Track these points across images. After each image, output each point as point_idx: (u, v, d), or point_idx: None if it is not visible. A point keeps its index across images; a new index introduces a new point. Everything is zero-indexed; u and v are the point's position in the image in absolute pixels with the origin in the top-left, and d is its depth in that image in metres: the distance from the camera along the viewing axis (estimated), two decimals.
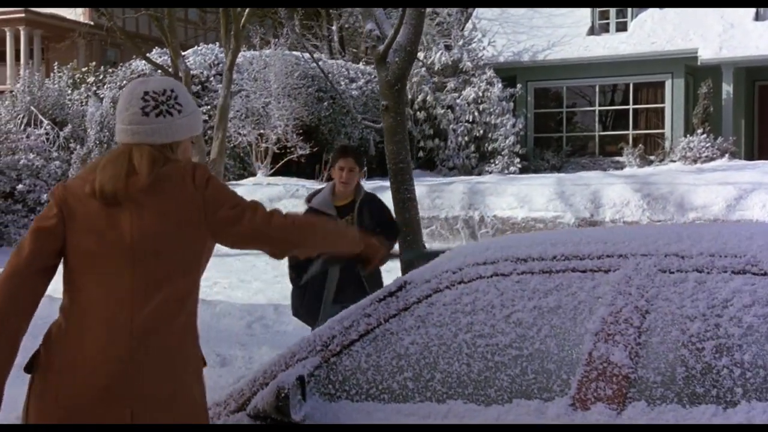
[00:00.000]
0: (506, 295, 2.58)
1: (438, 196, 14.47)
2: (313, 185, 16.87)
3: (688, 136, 21.46)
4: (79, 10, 22.40)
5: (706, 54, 21.79)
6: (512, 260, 2.65)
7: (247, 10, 17.91)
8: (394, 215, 6.06)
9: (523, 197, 13.97)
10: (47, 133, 18.34)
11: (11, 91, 20.26)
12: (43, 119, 18.68)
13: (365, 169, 5.63)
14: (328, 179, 18.45)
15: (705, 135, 20.87)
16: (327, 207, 5.14)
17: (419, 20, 7.01)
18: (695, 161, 20.38)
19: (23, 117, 18.75)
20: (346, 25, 30.57)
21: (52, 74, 21.05)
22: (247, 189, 16.42)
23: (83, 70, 22.83)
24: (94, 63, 24.83)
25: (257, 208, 2.58)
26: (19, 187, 16.88)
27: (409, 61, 7.01)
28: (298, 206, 15.17)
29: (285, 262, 4.91)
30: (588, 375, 2.34)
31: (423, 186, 15.06)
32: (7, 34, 28.18)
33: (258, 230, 2.55)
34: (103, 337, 2.45)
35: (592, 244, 2.60)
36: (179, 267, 2.51)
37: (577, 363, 2.37)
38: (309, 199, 5.28)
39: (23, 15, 28.15)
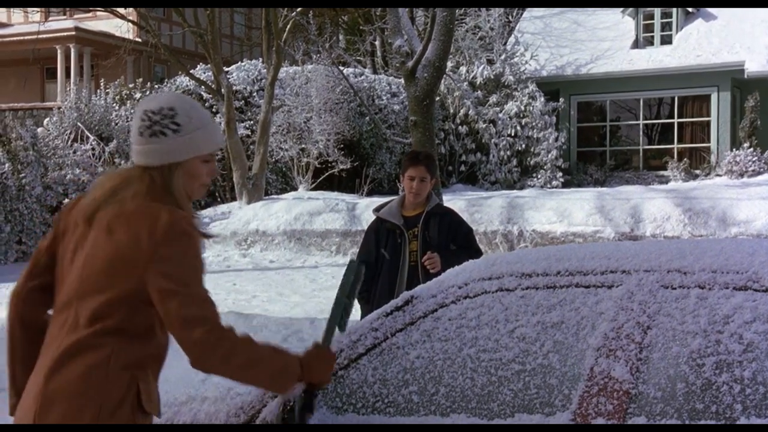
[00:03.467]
0: (510, 310, 2.59)
1: (477, 210, 14.43)
2: (354, 199, 16.96)
3: (734, 149, 21.18)
4: (126, 27, 22.70)
5: (753, 67, 21.51)
6: (517, 275, 2.66)
7: (288, 25, 18.11)
8: None
9: (563, 211, 13.87)
10: (93, 149, 18.62)
11: (59, 108, 20.61)
12: (90, 135, 18.98)
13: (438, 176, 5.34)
14: (367, 194, 18.54)
15: (752, 149, 20.58)
16: (394, 217, 4.89)
17: (448, 36, 6.98)
18: (741, 175, 20.08)
19: (70, 133, 19.05)
20: (389, 41, 30.68)
21: (98, 90, 21.39)
22: (287, 203, 16.54)
23: (130, 86, 23.18)
24: (140, 79, 25.24)
25: (193, 302, 2.29)
26: (66, 201, 17.17)
27: (438, 77, 7.00)
28: (337, 220, 15.24)
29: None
30: (589, 390, 2.34)
31: (462, 200, 15.04)
32: (58, 51, 28.65)
33: (170, 323, 2.31)
34: (38, 370, 2.37)
35: (596, 259, 2.60)
36: (112, 309, 2.34)
37: (579, 378, 2.37)
38: (378, 209, 5.03)
39: (74, 33, 28.55)
